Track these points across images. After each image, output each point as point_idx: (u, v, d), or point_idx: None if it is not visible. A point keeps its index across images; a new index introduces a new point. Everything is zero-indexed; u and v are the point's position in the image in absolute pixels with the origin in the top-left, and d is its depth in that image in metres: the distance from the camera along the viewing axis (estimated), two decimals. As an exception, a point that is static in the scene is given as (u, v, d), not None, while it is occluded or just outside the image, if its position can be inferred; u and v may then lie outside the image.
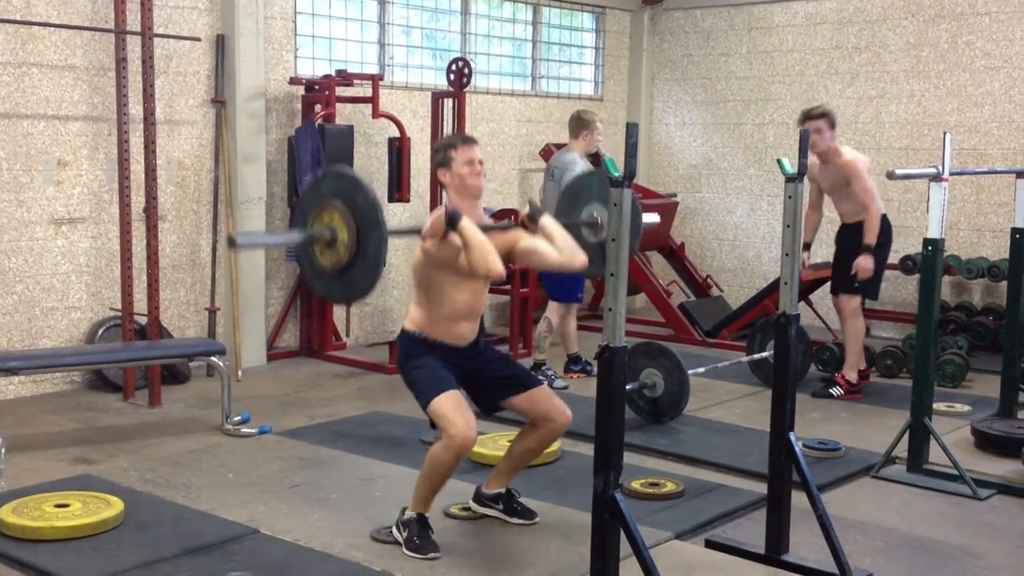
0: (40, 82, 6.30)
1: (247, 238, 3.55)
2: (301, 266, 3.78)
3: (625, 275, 3.08)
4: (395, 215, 8.18)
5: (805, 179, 3.91)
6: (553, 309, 6.91)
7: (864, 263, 6.35)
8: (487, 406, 4.25)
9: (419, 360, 4.08)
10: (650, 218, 4.87)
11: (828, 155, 6.43)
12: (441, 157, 4.10)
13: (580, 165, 6.66)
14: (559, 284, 6.83)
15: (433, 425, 4.04)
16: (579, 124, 6.82)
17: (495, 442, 5.10)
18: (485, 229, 3.99)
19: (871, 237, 6.35)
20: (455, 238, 3.83)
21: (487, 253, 3.80)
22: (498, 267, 3.81)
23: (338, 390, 6.72)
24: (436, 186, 7.87)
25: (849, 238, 6.57)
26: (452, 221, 3.81)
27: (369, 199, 3.48)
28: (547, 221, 4.06)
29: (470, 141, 4.14)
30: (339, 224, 3.50)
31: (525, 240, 4.12)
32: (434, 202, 7.87)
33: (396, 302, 8.25)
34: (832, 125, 6.40)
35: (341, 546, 4.07)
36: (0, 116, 6.15)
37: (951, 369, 6.97)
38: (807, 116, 6.39)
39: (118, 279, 6.35)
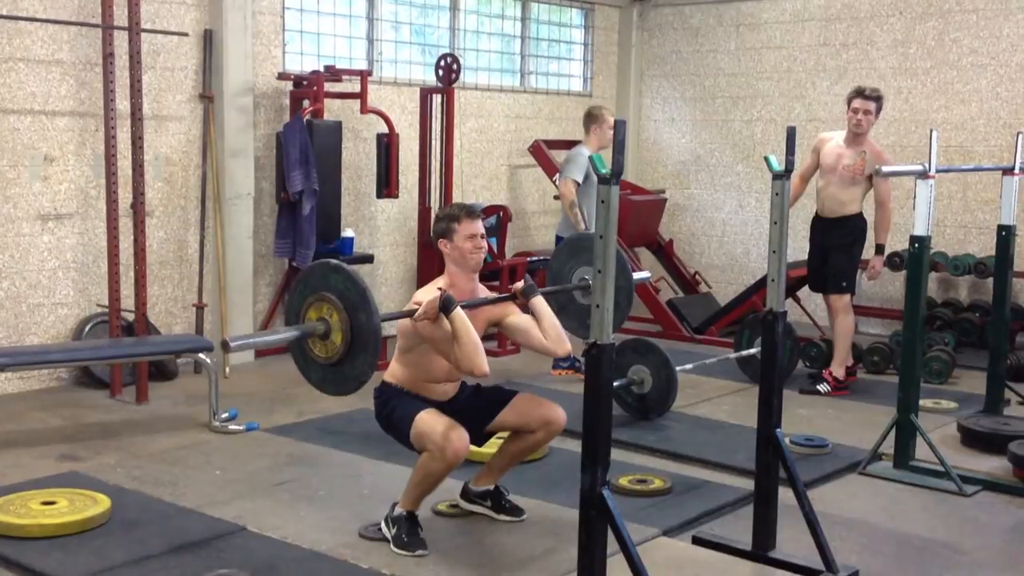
0: (27, 77, 6.27)
1: (241, 341, 3.56)
2: (294, 356, 3.77)
3: (613, 272, 3.08)
4: (383, 211, 8.17)
5: (792, 176, 3.91)
6: None
7: (879, 265, 6.46)
8: (476, 435, 4.16)
9: (398, 401, 4.09)
10: (640, 276, 4.96)
11: (863, 139, 6.45)
12: (443, 228, 4.07)
13: (586, 157, 6.58)
14: None
15: (411, 440, 4.03)
16: (589, 119, 6.85)
17: (488, 441, 5.09)
18: (478, 304, 4.02)
19: (885, 237, 6.45)
20: (446, 323, 3.80)
21: (474, 352, 3.77)
22: (483, 367, 3.79)
23: (326, 386, 6.70)
24: (424, 182, 7.87)
25: (828, 234, 6.61)
26: (446, 308, 3.78)
27: (373, 323, 3.41)
28: (538, 303, 4.08)
29: (474, 215, 4.09)
30: (335, 325, 3.45)
31: (515, 317, 4.14)
32: (423, 198, 7.86)
33: (384, 298, 8.23)
34: (879, 110, 6.43)
35: (329, 543, 4.07)
36: (-14, 111, 6.14)
37: (937, 365, 6.99)
38: (861, 93, 6.40)
39: (105, 275, 6.33)
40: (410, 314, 3.83)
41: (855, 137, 6.45)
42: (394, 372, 4.16)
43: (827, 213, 6.62)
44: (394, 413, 4.09)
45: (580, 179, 6.68)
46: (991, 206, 8.10)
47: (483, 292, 4.25)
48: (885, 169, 5.11)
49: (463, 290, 4.04)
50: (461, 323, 3.78)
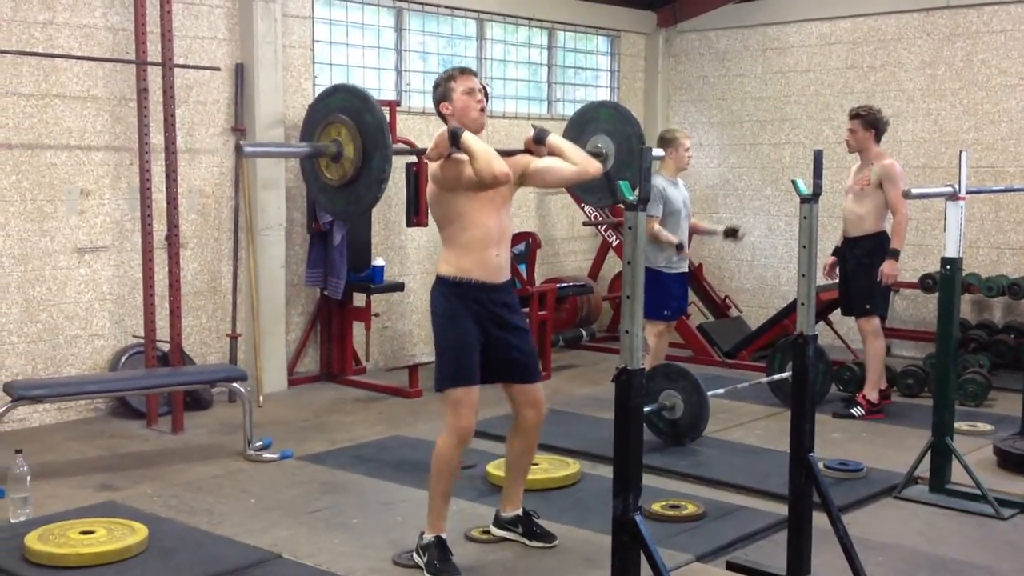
0: (63, 113, 6.40)
1: (254, 147, 3.80)
2: (306, 179, 3.95)
3: (641, 297, 3.10)
4: (413, 239, 8.23)
5: (820, 200, 3.92)
6: (647, 328, 6.28)
7: (890, 269, 6.37)
8: (490, 378, 4.22)
9: (453, 316, 4.05)
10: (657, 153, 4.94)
11: (865, 155, 6.52)
12: (442, 90, 4.10)
13: (659, 182, 6.25)
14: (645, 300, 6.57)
15: (439, 388, 4.10)
16: (663, 144, 6.47)
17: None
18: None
19: (898, 242, 6.40)
20: (460, 155, 3.89)
21: (491, 158, 3.87)
22: (503, 169, 3.88)
23: (358, 414, 6.75)
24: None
25: (848, 254, 6.59)
26: (454, 138, 3.88)
27: (377, 117, 3.58)
28: (555, 139, 4.18)
29: (469, 72, 4.14)
30: (345, 139, 3.61)
31: (536, 162, 4.19)
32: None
33: (415, 326, 8.29)
34: (867, 125, 6.49)
35: (363, 570, 4.09)
36: (24, 147, 6.25)
37: (972, 388, 6.93)
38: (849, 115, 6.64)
39: (141, 306, 6.41)
40: (422, 151, 3.93)
41: (859, 155, 6.60)
42: (444, 258, 4.13)
43: (848, 231, 6.63)
44: (442, 335, 4.08)
45: (659, 213, 6.26)
46: (1024, 226, 8.04)
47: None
48: (915, 191, 5.08)
49: None
50: (472, 141, 3.87)
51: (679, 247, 6.34)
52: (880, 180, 6.40)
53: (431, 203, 4.15)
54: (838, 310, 7.14)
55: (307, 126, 3.94)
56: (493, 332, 4.13)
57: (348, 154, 3.64)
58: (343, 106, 3.74)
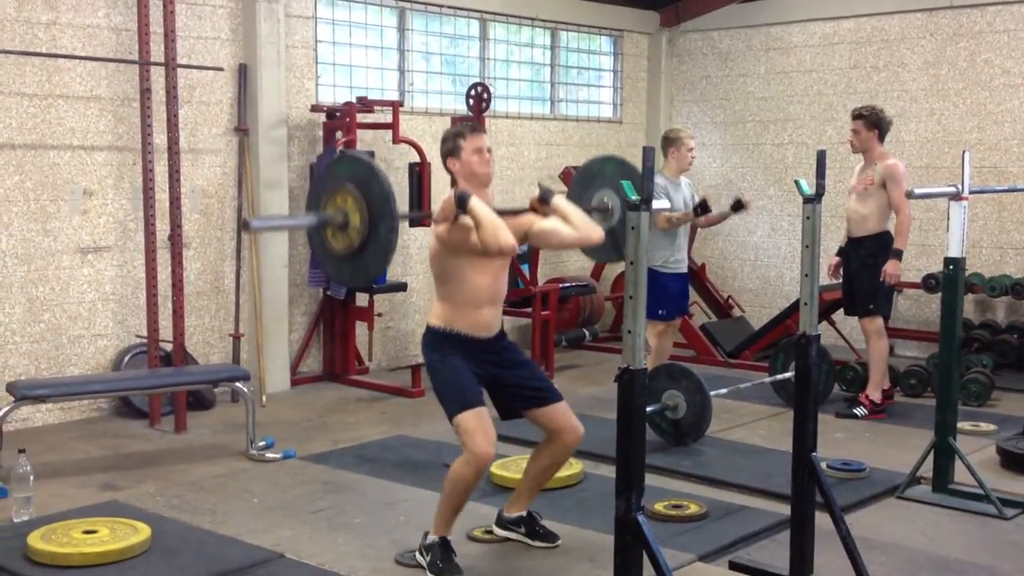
0: (66, 113, 6.40)
1: (261, 222, 3.72)
2: (313, 248, 3.85)
3: (644, 297, 3.10)
4: (416, 239, 8.24)
5: (823, 200, 3.92)
6: (647, 328, 6.13)
7: (893, 269, 6.36)
8: (506, 413, 4.26)
9: (444, 357, 4.07)
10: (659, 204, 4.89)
11: (868, 155, 6.52)
12: (450, 146, 4.11)
13: (660, 182, 6.20)
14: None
15: (450, 420, 4.06)
16: (666, 143, 6.45)
17: (517, 465, 5.09)
18: (501, 214, 4.01)
19: (901, 242, 6.39)
20: (466, 220, 3.86)
21: (497, 229, 3.83)
22: (509, 241, 3.84)
23: (361, 414, 6.75)
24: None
25: (852, 254, 6.59)
26: (461, 203, 3.85)
27: (383, 188, 3.54)
28: (559, 201, 4.12)
29: (478, 130, 4.15)
30: (352, 208, 3.56)
31: (540, 223, 4.14)
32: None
33: (418, 326, 8.28)
34: (871, 125, 6.48)
35: (365, 570, 4.09)
36: (27, 147, 6.26)
37: (976, 388, 6.92)
38: (852, 115, 6.62)
39: (144, 306, 6.42)
40: (428, 215, 3.87)
41: (863, 155, 6.60)
42: (436, 311, 4.14)
43: (852, 231, 6.63)
44: (438, 374, 4.08)
45: (667, 205, 6.12)
46: (1027, 226, 8.04)
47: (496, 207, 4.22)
48: (918, 191, 5.08)
49: None
50: (479, 208, 3.83)
51: (695, 208, 6.28)
52: (884, 180, 6.40)
53: (431, 258, 4.14)
54: (841, 310, 7.14)
55: (313, 194, 3.88)
56: (493, 372, 4.14)
57: (355, 223, 3.59)
58: (349, 175, 3.67)
